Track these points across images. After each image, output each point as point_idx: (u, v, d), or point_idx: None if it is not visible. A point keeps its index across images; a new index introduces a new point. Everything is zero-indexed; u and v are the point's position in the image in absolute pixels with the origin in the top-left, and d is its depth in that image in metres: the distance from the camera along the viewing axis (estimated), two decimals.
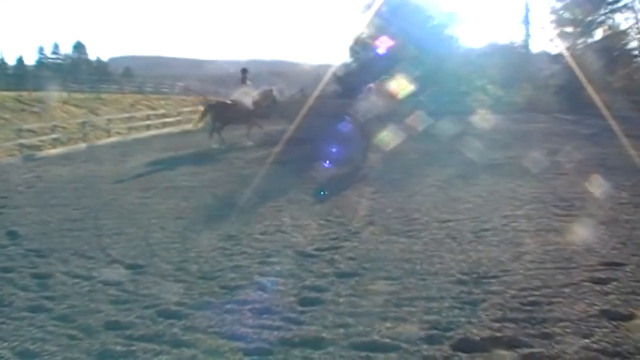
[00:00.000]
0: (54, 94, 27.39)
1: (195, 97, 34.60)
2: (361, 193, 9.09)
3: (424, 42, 27.03)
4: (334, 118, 13.64)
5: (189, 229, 7.17)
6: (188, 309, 4.56)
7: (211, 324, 4.27)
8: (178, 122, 26.59)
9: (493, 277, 5.02)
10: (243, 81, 17.33)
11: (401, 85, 19.99)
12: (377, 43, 28.75)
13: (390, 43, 27.73)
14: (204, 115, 17.37)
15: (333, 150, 12.04)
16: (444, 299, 4.55)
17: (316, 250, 6.06)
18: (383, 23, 28.76)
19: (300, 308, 4.51)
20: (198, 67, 67.28)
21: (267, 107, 17.37)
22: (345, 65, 32.34)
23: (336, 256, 5.77)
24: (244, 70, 17.48)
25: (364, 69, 27.14)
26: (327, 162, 11.56)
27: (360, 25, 31.14)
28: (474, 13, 59.57)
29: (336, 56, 49.22)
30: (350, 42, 32.16)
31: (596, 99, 18.62)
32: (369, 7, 29.31)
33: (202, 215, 7.99)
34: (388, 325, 4.13)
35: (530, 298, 4.48)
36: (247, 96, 16.75)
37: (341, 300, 4.62)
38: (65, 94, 29.27)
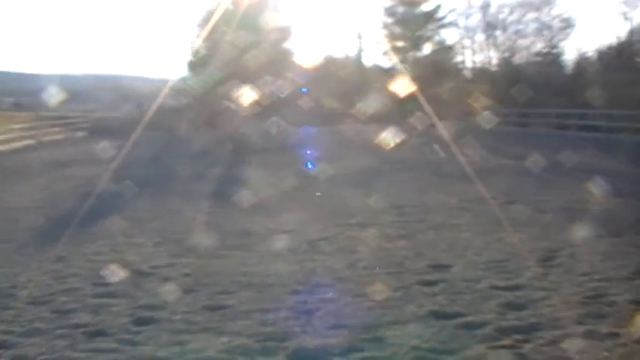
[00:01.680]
0: None
1: (27, 114, 34.51)
2: (197, 208, 10.25)
3: (261, 56, 31.49)
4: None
5: (18, 252, 7.51)
6: (17, 337, 4.79)
7: (42, 351, 4.51)
8: (7, 141, 25.98)
9: (327, 285, 5.82)
10: None
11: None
12: None
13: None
14: None
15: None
16: (279, 310, 5.18)
17: (151, 268, 6.68)
18: (220, 37, 32.26)
19: (134, 328, 4.91)
20: (30, 81, 65.08)
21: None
22: (184, 80, 36.41)
23: (172, 273, 6.44)
24: None
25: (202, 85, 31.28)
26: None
27: (197, 40, 36.07)
28: (309, 28, 74.47)
29: (175, 70, 56.09)
30: (187, 56, 36.98)
31: (427, 109, 22.20)
32: (206, 21, 33.69)
33: (32, 237, 8.46)
34: (224, 339, 4.61)
35: (364, 304, 5.25)
36: None
37: (176, 317, 5.12)
38: None
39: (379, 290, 5.54)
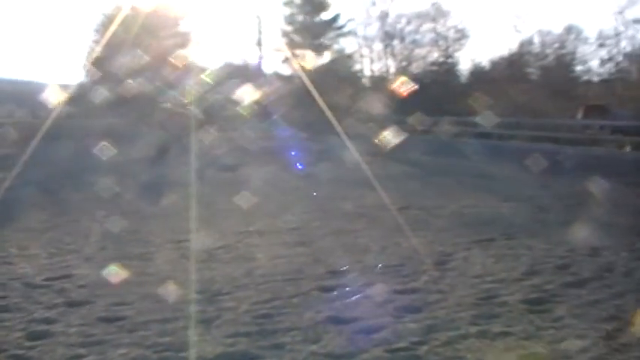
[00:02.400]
0: None
1: None
2: (94, 217, 9.88)
3: (160, 61, 31.44)
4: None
5: None
6: None
7: None
8: None
9: (226, 293, 5.78)
10: None
11: None
12: None
13: None
14: None
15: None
16: (178, 320, 5.09)
17: (46, 280, 6.43)
18: (118, 42, 31.71)
19: (27, 343, 4.73)
20: None
21: None
22: (81, 85, 34.96)
23: (67, 285, 6.21)
24: None
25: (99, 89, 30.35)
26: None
27: (94, 44, 36.12)
28: (209, 34, 73.22)
29: (72, 76, 53.68)
30: (85, 61, 36.76)
31: (327, 118, 22.69)
32: (103, 25, 33.77)
33: None
34: (122, 351, 4.49)
35: (262, 311, 5.24)
36: None
37: (72, 330, 4.94)
38: None
39: (278, 297, 5.58)
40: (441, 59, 44.93)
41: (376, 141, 21.01)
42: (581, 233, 8.09)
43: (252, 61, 42.10)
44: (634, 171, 15.50)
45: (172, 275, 6.42)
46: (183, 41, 36.69)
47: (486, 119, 26.65)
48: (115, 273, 6.54)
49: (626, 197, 11.52)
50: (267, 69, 44.21)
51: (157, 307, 5.41)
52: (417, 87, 36.03)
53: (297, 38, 43.35)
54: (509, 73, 37.99)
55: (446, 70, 44.10)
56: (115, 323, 5.05)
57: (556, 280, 6.02)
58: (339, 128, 19.46)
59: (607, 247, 7.36)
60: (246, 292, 5.77)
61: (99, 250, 7.69)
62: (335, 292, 5.74)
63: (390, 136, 22.11)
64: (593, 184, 12.26)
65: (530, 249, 7.33)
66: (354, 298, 5.58)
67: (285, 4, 43.38)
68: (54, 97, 26.05)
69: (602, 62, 38.37)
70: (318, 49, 42.73)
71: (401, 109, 34.59)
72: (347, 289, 5.83)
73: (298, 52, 42.36)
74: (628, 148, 22.21)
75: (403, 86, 33.70)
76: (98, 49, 34.58)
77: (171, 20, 36.05)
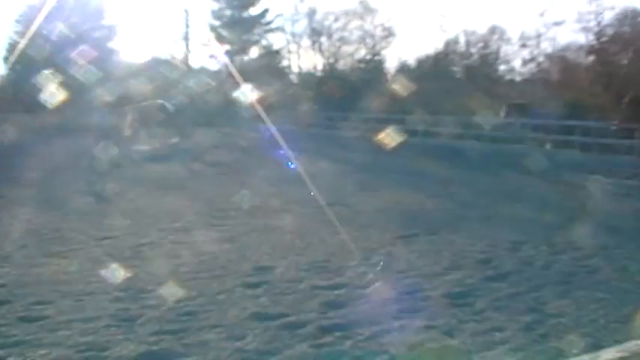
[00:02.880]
0: None
1: None
2: (14, 214, 9.62)
3: (85, 55, 30.57)
4: None
5: None
6: None
7: None
8: None
9: (150, 291, 5.67)
10: None
11: None
12: None
13: None
14: None
15: None
16: (100, 318, 4.99)
17: None
18: (41, 34, 31.05)
19: None
20: None
21: None
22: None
23: None
24: None
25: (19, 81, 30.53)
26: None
27: (15, 36, 35.47)
28: (135, 28, 71.49)
29: None
30: (3, 53, 36.01)
31: (257, 113, 22.86)
32: (25, 16, 33.01)
33: None
34: (42, 352, 4.39)
35: (187, 309, 5.19)
36: None
37: None
38: None
39: (203, 294, 5.53)
40: (368, 57, 45.31)
41: (306, 137, 21.17)
42: (502, 228, 8.33)
43: (179, 55, 41.31)
44: (553, 168, 15.98)
45: (95, 273, 6.27)
46: (108, 34, 35.81)
47: (411, 116, 27.13)
48: (34, 272, 6.41)
49: (546, 193, 11.88)
50: (195, 64, 43.86)
51: (79, 306, 5.29)
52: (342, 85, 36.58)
53: (225, 33, 42.91)
54: (434, 72, 38.60)
55: (373, 67, 44.48)
56: (35, 323, 4.91)
57: (477, 274, 6.19)
58: (267, 124, 19.47)
59: (527, 241, 7.60)
60: (170, 290, 5.67)
61: (18, 248, 7.43)
62: (260, 288, 5.73)
63: (311, 132, 22.34)
64: (515, 180, 12.62)
65: (453, 244, 7.51)
66: (278, 294, 5.59)
67: None
68: None
69: (525, 62, 39.43)
70: (246, 45, 42.56)
71: (328, 105, 34.86)
72: (271, 285, 5.84)
73: (226, 47, 42.15)
74: (548, 146, 22.90)
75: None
76: (21, 41, 33.60)
77: (96, 12, 35.31)
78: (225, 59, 40.46)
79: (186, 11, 41.09)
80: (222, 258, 6.87)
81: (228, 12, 43.07)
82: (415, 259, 6.81)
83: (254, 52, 43.17)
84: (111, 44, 36.41)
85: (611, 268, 6.61)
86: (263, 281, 5.96)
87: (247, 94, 27.46)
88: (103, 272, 6.27)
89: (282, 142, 15.04)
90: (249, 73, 35.60)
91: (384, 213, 9.62)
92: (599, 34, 35.40)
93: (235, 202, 10.45)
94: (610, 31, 35.59)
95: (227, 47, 42.07)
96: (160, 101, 22.82)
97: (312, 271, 6.29)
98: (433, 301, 5.36)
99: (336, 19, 46.05)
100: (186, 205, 10.25)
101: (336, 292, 5.60)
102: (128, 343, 4.49)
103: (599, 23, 35.42)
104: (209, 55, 42.89)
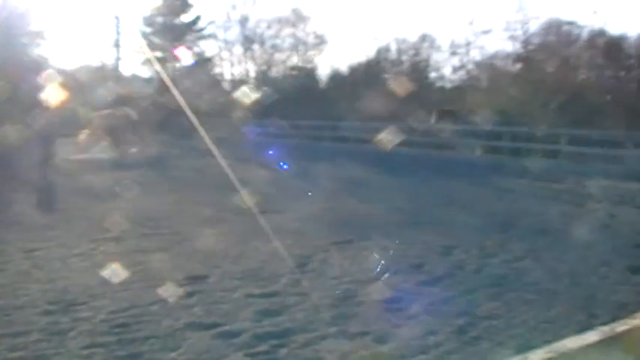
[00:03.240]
0: None
1: None
2: None
3: (10, 61, 29.41)
4: None
5: None
6: None
7: None
8: None
9: (82, 303, 5.53)
10: None
11: None
12: None
13: None
14: None
15: None
16: (30, 333, 4.83)
17: None
18: None
19: None
20: None
21: None
22: None
23: None
24: None
25: None
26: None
27: None
28: (64, 34, 70.34)
29: None
30: None
31: (189, 121, 22.83)
32: None
33: None
34: None
35: (119, 320, 5.09)
36: None
37: None
38: None
39: (135, 305, 5.44)
40: (301, 64, 45.53)
41: (238, 144, 21.17)
42: (434, 233, 8.45)
43: (110, 62, 40.65)
44: (484, 173, 16.34)
45: (24, 286, 6.11)
46: (36, 40, 34.71)
47: (344, 123, 27.34)
48: None
49: (476, 197, 12.11)
50: (126, 71, 43.28)
51: (8, 321, 5.13)
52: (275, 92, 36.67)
53: (156, 40, 42.48)
54: (366, 79, 38.98)
55: (305, 74, 44.69)
56: None
57: (411, 279, 6.26)
58: (200, 131, 19.46)
59: (458, 245, 7.73)
60: (102, 301, 5.57)
61: None
62: (194, 298, 5.67)
63: (248, 139, 22.34)
64: (445, 185, 12.83)
65: (386, 249, 7.55)
66: (212, 303, 5.54)
67: (145, 4, 42.59)
68: None
69: (454, 69, 40.26)
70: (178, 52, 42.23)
71: (261, 112, 34.79)
72: (205, 294, 5.79)
73: (158, 54, 41.65)
74: (478, 152, 23.40)
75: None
76: None
77: (22, 18, 34.42)
78: (157, 67, 40.12)
79: (116, 18, 40.50)
80: (155, 268, 6.74)
81: (159, 19, 42.65)
82: (349, 265, 6.83)
83: (186, 60, 42.84)
84: (38, 51, 34.96)
85: (540, 269, 6.77)
86: (196, 291, 5.88)
87: (181, 102, 27.45)
88: (32, 285, 6.11)
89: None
90: (181, 81, 35.48)
91: (318, 219, 9.62)
92: (525, 43, 36.45)
93: (168, 210, 10.32)
94: (536, 40, 36.68)
95: (159, 54, 41.61)
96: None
97: (246, 280, 6.24)
98: (367, 306, 5.39)
99: (269, 27, 46.16)
100: (120, 214, 9.96)
101: (270, 299, 5.57)
102: (59, 358, 4.40)
103: (525, 32, 36.47)
104: (141, 62, 42.53)
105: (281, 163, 17.68)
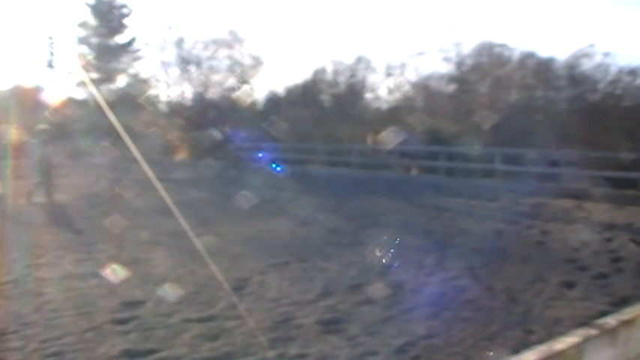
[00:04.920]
0: None
1: None
2: None
3: None
4: None
5: None
6: None
7: None
8: None
9: (13, 332, 5.34)
10: None
11: None
12: None
13: None
14: None
15: None
16: None
17: None
18: None
19: None
20: None
21: None
22: None
23: None
24: None
25: None
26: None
27: None
28: None
29: None
30: None
31: (125, 144, 22.71)
32: None
33: None
34: None
35: (52, 349, 4.93)
36: None
37: None
38: None
39: (70, 333, 5.28)
40: (237, 85, 45.47)
41: (171, 166, 20.99)
42: (372, 253, 8.48)
43: (44, 84, 39.94)
44: (419, 193, 16.51)
45: None
46: None
47: (283, 144, 27.36)
48: None
49: (411, 217, 12.22)
50: (61, 93, 42.48)
51: None
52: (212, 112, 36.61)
53: (91, 61, 41.71)
54: (303, 100, 39.14)
55: (242, 95, 44.62)
56: None
57: (349, 300, 6.26)
58: (135, 153, 19.30)
59: (397, 265, 7.77)
60: (34, 330, 5.39)
61: None
62: (130, 324, 5.52)
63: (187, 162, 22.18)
64: (383, 205, 12.92)
65: (324, 271, 7.56)
66: (149, 329, 5.42)
67: (80, 25, 41.76)
68: None
69: (390, 91, 40.79)
70: (113, 73, 41.60)
71: (197, 134, 34.59)
72: (142, 320, 5.66)
73: (93, 75, 41.04)
74: (414, 172, 23.69)
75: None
76: None
77: None
78: (92, 88, 39.67)
79: (50, 38, 39.87)
80: (89, 294, 6.55)
81: (94, 39, 41.97)
82: (287, 287, 6.80)
83: (122, 81, 42.25)
84: None
85: (477, 287, 6.86)
86: (133, 316, 5.75)
87: (117, 124, 27.28)
88: None
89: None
90: (116, 102, 35.02)
91: (256, 241, 9.57)
92: (459, 64, 37.19)
93: (104, 235, 10.09)
94: (469, 61, 37.51)
95: (94, 75, 40.99)
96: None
97: (183, 304, 6.13)
98: (306, 328, 5.37)
99: (205, 48, 45.96)
100: (53, 239, 9.72)
101: (208, 324, 5.50)
102: None
103: (458, 54, 37.24)
104: (76, 83, 41.70)
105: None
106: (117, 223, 10.64)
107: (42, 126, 16.58)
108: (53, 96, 39.93)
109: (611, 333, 2.08)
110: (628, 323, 2.19)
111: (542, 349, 1.83)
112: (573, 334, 1.97)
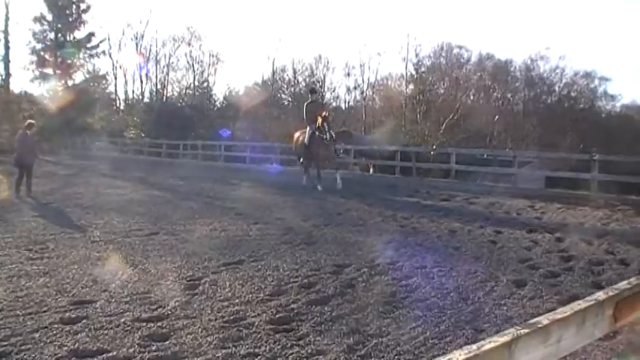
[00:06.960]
0: None
1: None
2: None
3: None
4: None
5: None
6: None
7: None
8: None
9: None
10: None
11: None
12: None
13: None
14: None
15: None
16: None
17: None
18: None
19: None
20: None
21: None
22: None
23: None
24: None
25: None
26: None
27: None
28: None
29: None
30: None
31: (77, 140, 22.42)
32: None
33: None
34: None
35: None
36: None
37: None
38: None
39: (16, 333, 5.20)
40: (196, 83, 45.32)
41: (133, 164, 20.88)
42: (326, 252, 8.52)
43: None
44: (376, 192, 16.60)
45: None
46: None
47: (239, 142, 27.31)
48: None
49: (369, 217, 12.28)
50: (15, 88, 41.61)
51: None
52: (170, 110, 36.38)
53: (47, 57, 41.12)
54: (262, 99, 39.16)
55: (201, 93, 44.49)
56: None
57: (301, 299, 6.28)
58: (92, 150, 19.12)
59: (349, 264, 7.82)
60: None
61: None
62: (79, 324, 5.45)
63: (145, 160, 22.06)
64: (339, 204, 12.97)
65: (277, 269, 7.56)
66: (98, 329, 5.37)
67: (35, 20, 40.98)
68: None
69: (349, 90, 41.06)
70: (70, 69, 40.91)
71: (156, 131, 34.32)
72: (91, 320, 5.59)
73: (49, 71, 40.29)
74: (372, 171, 23.83)
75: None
76: None
77: None
78: (49, 83, 39.07)
79: (5, 32, 39.02)
80: (38, 293, 6.42)
81: (51, 35, 41.28)
82: (239, 286, 6.78)
83: (78, 77, 41.63)
84: None
85: (429, 286, 6.92)
86: (82, 316, 5.66)
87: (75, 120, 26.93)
88: None
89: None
90: (73, 98, 34.51)
91: (209, 240, 9.53)
92: (417, 65, 37.59)
93: (53, 232, 9.97)
94: (428, 62, 37.92)
95: (50, 71, 40.25)
96: None
97: (133, 304, 6.07)
98: (257, 327, 5.37)
99: (164, 45, 45.72)
100: (2, 238, 9.54)
101: (158, 323, 5.47)
102: None
103: (417, 55, 37.64)
104: (30, 79, 40.88)
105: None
106: (66, 221, 10.52)
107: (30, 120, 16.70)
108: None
109: (543, 332, 2.13)
110: (561, 322, 2.24)
111: (472, 349, 1.86)
112: (504, 333, 2.01)
